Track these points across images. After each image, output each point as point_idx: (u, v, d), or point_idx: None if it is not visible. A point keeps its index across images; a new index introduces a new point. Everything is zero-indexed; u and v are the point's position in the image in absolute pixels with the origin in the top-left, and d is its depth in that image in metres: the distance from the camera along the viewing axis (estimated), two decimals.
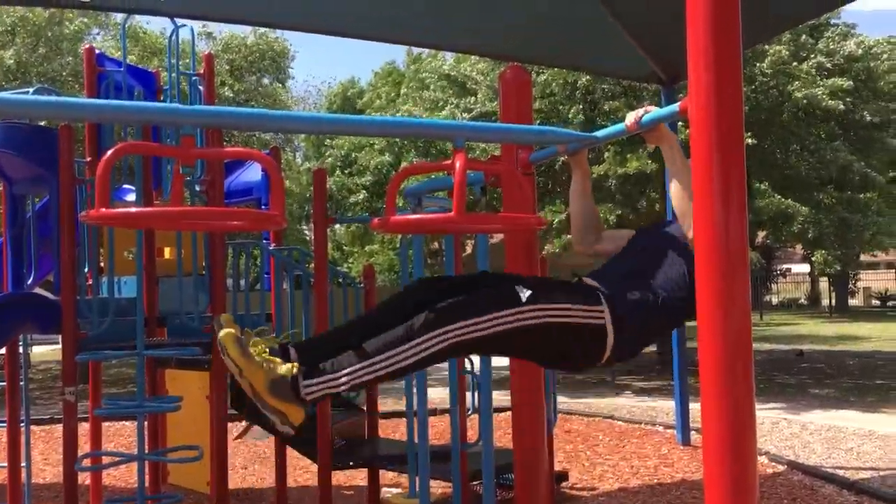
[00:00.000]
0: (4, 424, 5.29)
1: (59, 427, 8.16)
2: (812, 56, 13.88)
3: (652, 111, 2.34)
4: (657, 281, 2.48)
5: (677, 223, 2.55)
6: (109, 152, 1.74)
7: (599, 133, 2.55)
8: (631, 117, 2.42)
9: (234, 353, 2.18)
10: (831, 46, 14.18)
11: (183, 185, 2.17)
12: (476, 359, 6.35)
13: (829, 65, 13.81)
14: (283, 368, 2.21)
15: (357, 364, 2.24)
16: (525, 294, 2.29)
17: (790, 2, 4.43)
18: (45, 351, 19.82)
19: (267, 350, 2.25)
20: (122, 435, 9.15)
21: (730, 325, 1.89)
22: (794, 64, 13.50)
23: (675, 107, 2.06)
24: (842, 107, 13.14)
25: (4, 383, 5.28)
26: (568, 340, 2.36)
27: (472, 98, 14.67)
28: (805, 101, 13.04)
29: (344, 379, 2.23)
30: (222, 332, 2.21)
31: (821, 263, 14.26)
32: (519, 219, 2.33)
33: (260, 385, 2.17)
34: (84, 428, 5.92)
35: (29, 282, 5.23)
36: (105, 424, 8.24)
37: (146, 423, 4.92)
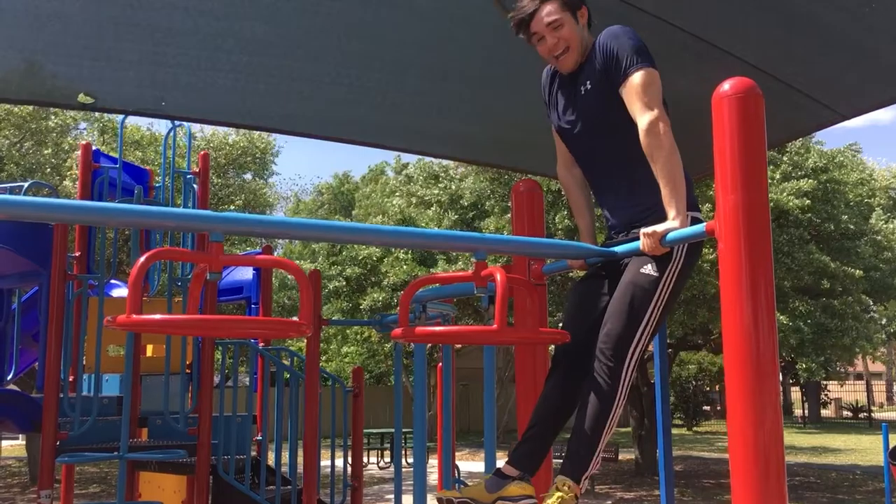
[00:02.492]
0: None
1: None
2: (777, 168, 14.29)
3: (674, 230, 2.34)
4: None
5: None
6: (142, 259, 1.71)
7: (618, 248, 2.56)
8: (651, 240, 2.38)
9: None
10: (795, 159, 14.62)
11: (200, 290, 2.13)
12: (462, 466, 6.20)
13: (794, 175, 14.21)
14: (561, 495, 2.49)
15: (599, 443, 2.54)
16: (652, 269, 2.51)
17: (799, 115, 4.61)
18: (3, 446, 19.12)
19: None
20: None
21: (761, 436, 1.88)
22: None
23: (702, 227, 2.09)
24: (808, 202, 13.40)
25: None
26: (695, 258, 2.62)
27: (461, 184, 14.90)
28: (771, 204, 13.32)
29: (598, 459, 2.56)
30: None
31: (804, 372, 14.28)
32: (551, 334, 2.33)
33: None
34: None
35: (9, 377, 5.08)
36: None
37: None
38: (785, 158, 14.58)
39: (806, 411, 33.27)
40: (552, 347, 2.95)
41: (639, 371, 2.64)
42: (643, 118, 2.53)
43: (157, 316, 1.73)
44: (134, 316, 1.70)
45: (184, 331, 1.89)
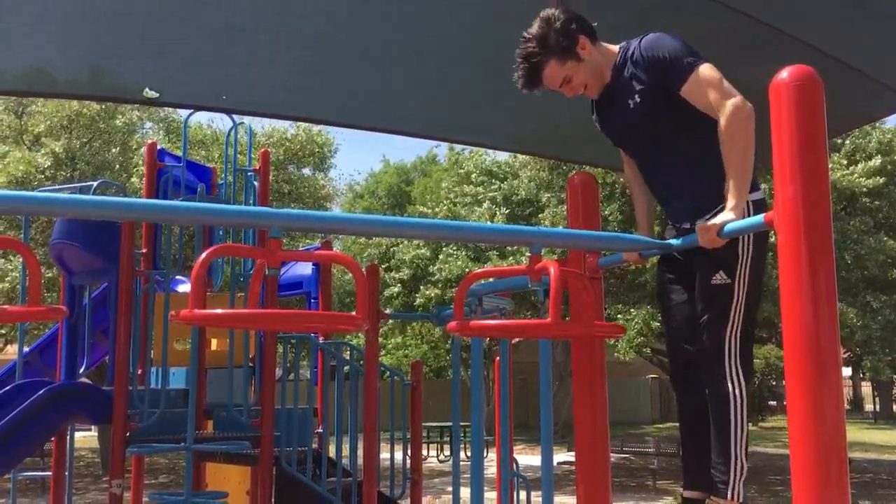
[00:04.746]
0: None
1: None
2: (839, 152, 13.90)
3: (730, 222, 2.29)
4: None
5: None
6: (203, 255, 1.76)
7: (674, 241, 2.54)
8: (708, 232, 2.33)
9: None
10: (858, 142, 14.22)
11: (260, 285, 2.18)
12: (520, 458, 6.19)
13: (857, 158, 13.82)
14: None
15: (732, 449, 2.56)
16: (722, 277, 2.56)
17: (866, 99, 4.49)
18: (76, 438, 19.75)
19: None
20: None
21: (823, 433, 1.84)
22: None
23: (760, 218, 2.05)
24: (881, 180, 13.04)
25: (49, 473, 5.25)
26: (766, 245, 2.65)
27: (514, 181, 14.87)
28: (843, 182, 12.92)
29: (739, 465, 2.57)
30: None
31: (870, 370, 13.89)
32: (606, 328, 2.32)
33: None
34: None
35: (81, 370, 5.27)
36: None
37: None
38: (847, 143, 14.17)
39: (877, 406, 32.31)
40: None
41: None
42: (728, 103, 2.46)
43: (219, 310, 1.77)
44: (196, 310, 1.75)
45: (243, 324, 1.94)
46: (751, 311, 2.63)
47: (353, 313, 1.90)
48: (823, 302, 1.86)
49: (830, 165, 13.04)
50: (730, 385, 2.57)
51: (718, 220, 2.32)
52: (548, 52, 2.69)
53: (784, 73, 1.96)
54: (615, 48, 2.78)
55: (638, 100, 2.70)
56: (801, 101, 1.92)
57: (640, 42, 2.71)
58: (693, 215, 2.63)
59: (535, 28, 2.73)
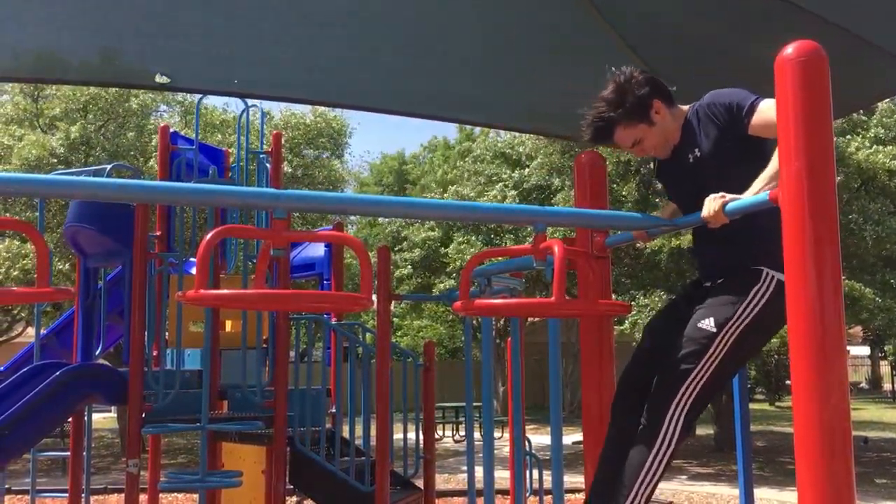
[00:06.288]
0: (65, 495, 5.31)
1: (114, 497, 8.12)
2: (866, 131, 13.68)
3: (736, 199, 2.28)
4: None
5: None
6: (208, 236, 1.78)
7: (679, 220, 2.53)
8: (712, 209, 2.31)
9: None
10: (885, 120, 14.00)
11: (266, 265, 2.19)
12: (534, 438, 6.22)
13: (885, 138, 13.59)
14: None
15: (634, 490, 2.47)
16: (709, 325, 2.45)
17: (883, 75, 4.43)
18: (96, 419, 20.00)
19: None
20: None
21: (827, 412, 1.84)
22: (849, 137, 13.33)
23: (765, 195, 2.04)
24: None
25: (68, 453, 5.32)
26: (770, 325, 2.51)
27: (524, 171, 14.83)
28: (866, 162, 12.69)
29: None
30: None
31: (892, 354, 13.75)
32: (611, 305, 2.32)
33: None
34: (140, 499, 5.91)
35: (97, 352, 5.33)
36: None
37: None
38: (873, 122, 13.95)
39: None
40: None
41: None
42: None
43: (225, 290, 1.80)
44: (202, 290, 1.77)
45: (246, 304, 1.97)
46: (724, 375, 2.53)
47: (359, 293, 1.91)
48: (828, 279, 1.85)
49: (854, 146, 12.88)
50: (664, 429, 2.47)
51: (729, 195, 2.31)
52: (621, 116, 2.66)
53: (789, 49, 1.95)
54: (687, 108, 2.74)
55: (698, 153, 2.65)
56: (805, 77, 1.90)
57: (704, 100, 2.68)
58: (717, 277, 2.63)
59: (610, 90, 2.67)
